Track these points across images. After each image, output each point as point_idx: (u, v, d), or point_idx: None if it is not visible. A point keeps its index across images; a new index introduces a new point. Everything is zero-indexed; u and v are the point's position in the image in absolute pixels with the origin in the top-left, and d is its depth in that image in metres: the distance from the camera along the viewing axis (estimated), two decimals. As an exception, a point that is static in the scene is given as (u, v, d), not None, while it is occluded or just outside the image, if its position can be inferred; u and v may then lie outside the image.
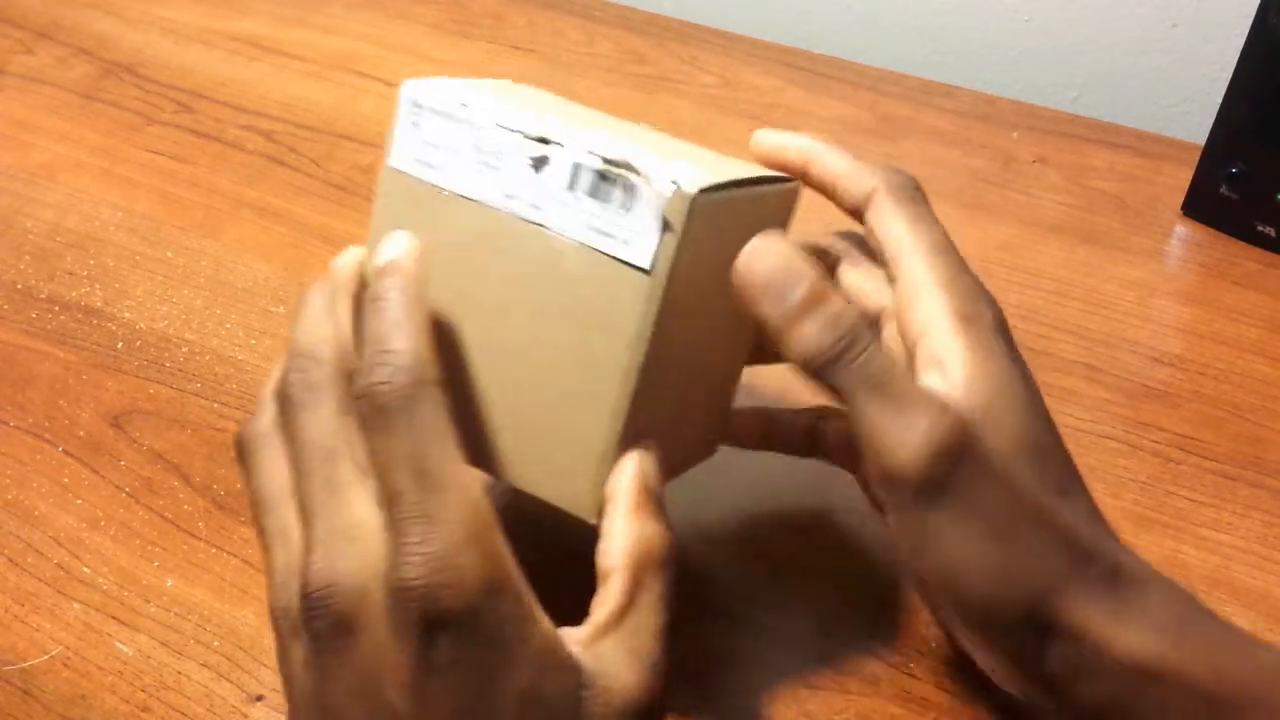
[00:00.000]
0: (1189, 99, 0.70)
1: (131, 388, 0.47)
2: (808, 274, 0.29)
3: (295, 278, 0.52)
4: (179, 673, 0.37)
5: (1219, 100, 0.52)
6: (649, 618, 0.28)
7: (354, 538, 0.26)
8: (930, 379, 0.29)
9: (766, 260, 0.29)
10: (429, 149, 0.31)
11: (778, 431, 0.39)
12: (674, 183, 0.28)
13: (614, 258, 0.29)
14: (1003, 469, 0.28)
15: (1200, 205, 0.55)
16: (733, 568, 0.39)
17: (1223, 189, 0.54)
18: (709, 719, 0.35)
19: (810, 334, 0.28)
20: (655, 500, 0.30)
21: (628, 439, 0.30)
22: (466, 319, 0.31)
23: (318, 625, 0.26)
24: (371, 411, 0.26)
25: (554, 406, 0.30)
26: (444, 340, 0.31)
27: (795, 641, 0.37)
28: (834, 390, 0.29)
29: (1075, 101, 0.73)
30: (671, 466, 0.32)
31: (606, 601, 0.28)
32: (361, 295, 0.31)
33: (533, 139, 0.30)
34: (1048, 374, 0.47)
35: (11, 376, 0.47)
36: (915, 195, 0.33)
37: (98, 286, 0.52)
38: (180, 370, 0.48)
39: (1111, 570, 0.29)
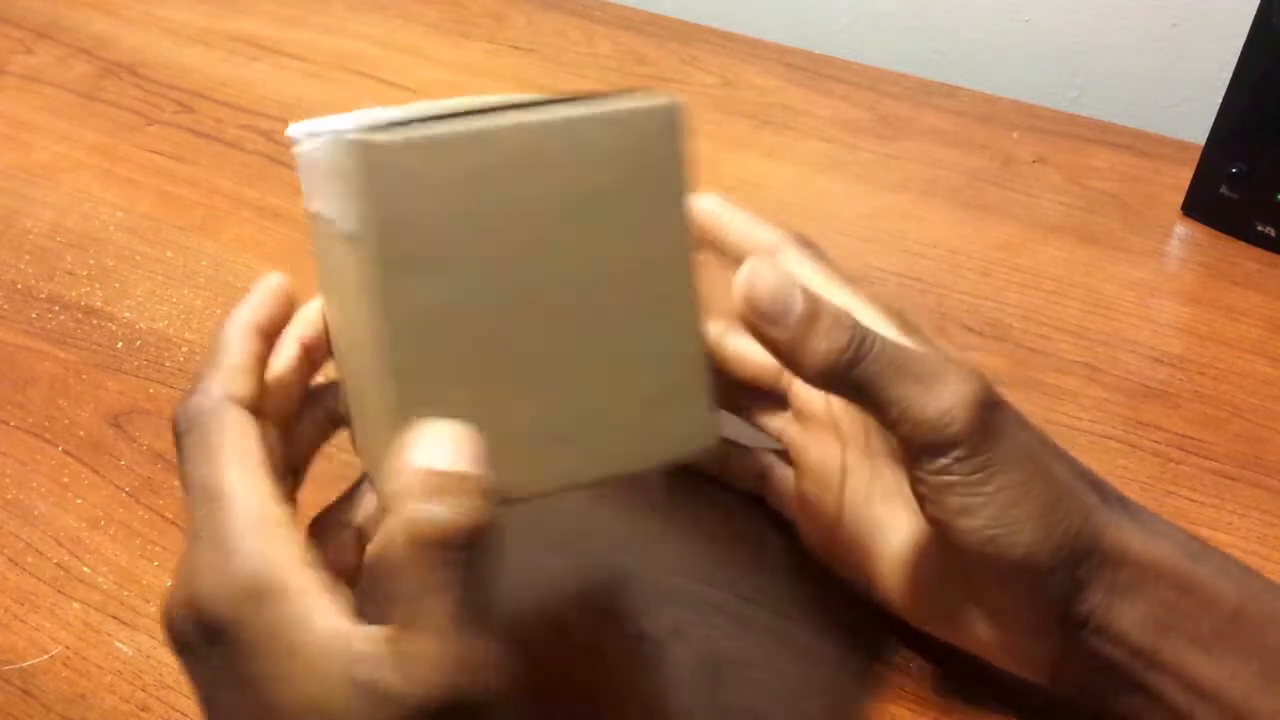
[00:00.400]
0: (1189, 99, 0.70)
1: (131, 388, 0.47)
2: (796, 288, 0.29)
3: (295, 278, 0.52)
4: (179, 672, 0.37)
5: (1219, 100, 0.52)
6: (434, 615, 0.23)
7: (191, 560, 0.26)
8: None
9: (761, 285, 0.29)
10: (308, 182, 0.31)
11: (731, 469, 0.41)
12: (345, 135, 0.25)
13: (343, 234, 0.27)
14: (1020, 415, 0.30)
15: (1200, 205, 0.55)
16: (732, 567, 0.39)
17: (1223, 189, 0.54)
18: (709, 719, 0.35)
19: (821, 347, 0.28)
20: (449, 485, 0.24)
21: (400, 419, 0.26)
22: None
23: (178, 635, 0.27)
24: (176, 438, 0.28)
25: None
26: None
27: (796, 642, 0.37)
28: (854, 394, 0.29)
29: (1075, 101, 0.73)
30: (609, 458, 0.28)
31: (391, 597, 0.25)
32: (273, 324, 0.31)
33: (324, 133, 0.28)
34: (1048, 374, 0.47)
35: (11, 376, 0.47)
36: (817, 249, 0.35)
37: (98, 286, 0.52)
38: (180, 370, 0.48)
39: (1120, 498, 0.31)
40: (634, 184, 0.28)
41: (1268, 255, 0.53)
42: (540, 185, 0.27)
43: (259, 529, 0.25)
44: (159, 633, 0.38)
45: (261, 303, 0.31)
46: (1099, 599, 0.30)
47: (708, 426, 0.29)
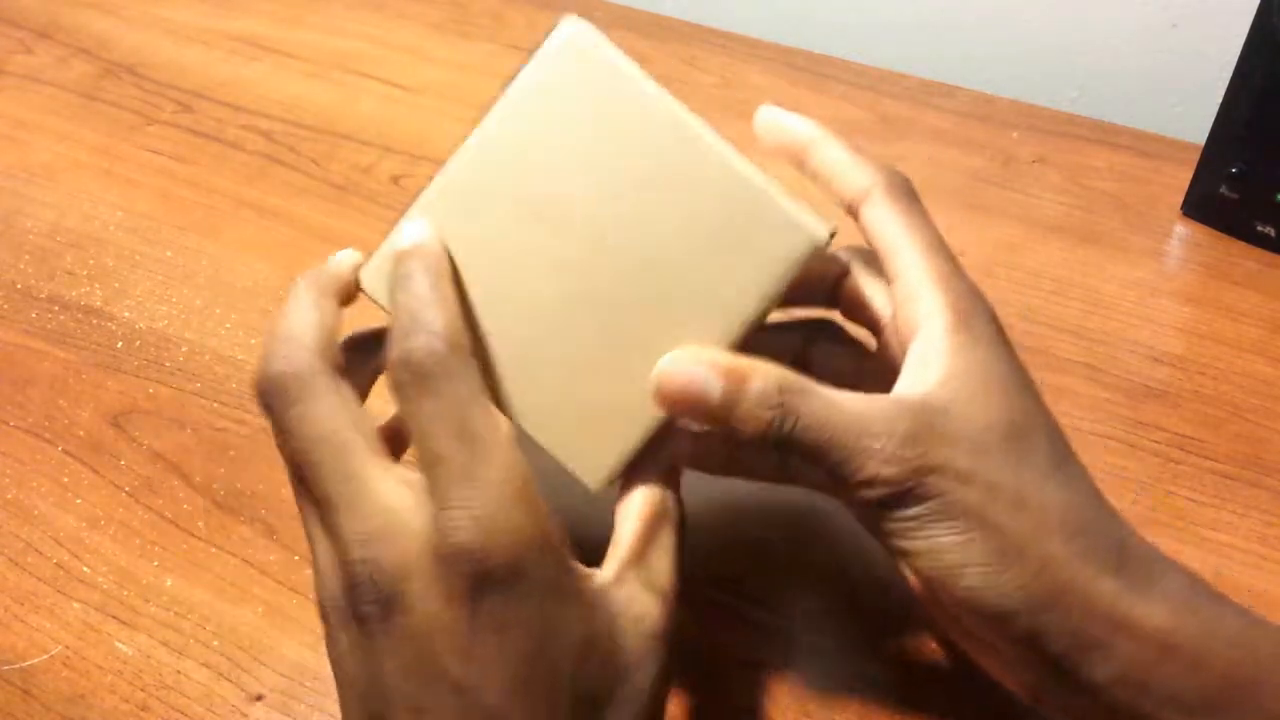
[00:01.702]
0: (1189, 99, 0.70)
1: (131, 388, 0.47)
2: (710, 373, 0.29)
3: (295, 277, 0.52)
4: (179, 672, 0.37)
5: (1219, 100, 0.52)
6: (662, 559, 0.30)
7: (387, 522, 0.26)
8: (911, 375, 0.30)
9: (670, 384, 0.30)
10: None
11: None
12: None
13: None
14: (971, 460, 0.28)
15: (1200, 205, 0.55)
16: (733, 567, 0.39)
17: (1223, 189, 0.54)
18: (709, 719, 0.35)
19: (746, 429, 0.29)
20: (673, 476, 0.32)
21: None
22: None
23: (366, 611, 0.26)
24: (411, 378, 0.27)
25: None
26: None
27: (795, 641, 0.37)
28: (790, 460, 0.29)
29: (1075, 101, 0.73)
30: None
31: (626, 543, 0.30)
32: (344, 296, 0.32)
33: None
34: (1047, 374, 0.47)
35: (11, 376, 0.47)
36: (911, 194, 0.33)
37: (98, 286, 0.52)
38: (180, 370, 0.48)
39: (1117, 545, 0.29)
40: (734, 250, 0.30)
41: (1268, 255, 0.53)
42: (674, 192, 0.30)
43: (531, 480, 0.27)
44: (159, 632, 0.38)
45: (339, 272, 0.32)
46: (1065, 649, 0.28)
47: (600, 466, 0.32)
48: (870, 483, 0.28)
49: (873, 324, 0.35)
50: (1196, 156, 0.55)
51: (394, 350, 0.28)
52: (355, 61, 0.69)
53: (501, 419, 0.28)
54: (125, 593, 0.39)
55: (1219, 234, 0.55)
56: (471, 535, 0.25)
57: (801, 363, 0.37)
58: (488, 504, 0.25)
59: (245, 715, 0.35)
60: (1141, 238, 0.54)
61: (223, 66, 0.69)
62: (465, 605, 0.25)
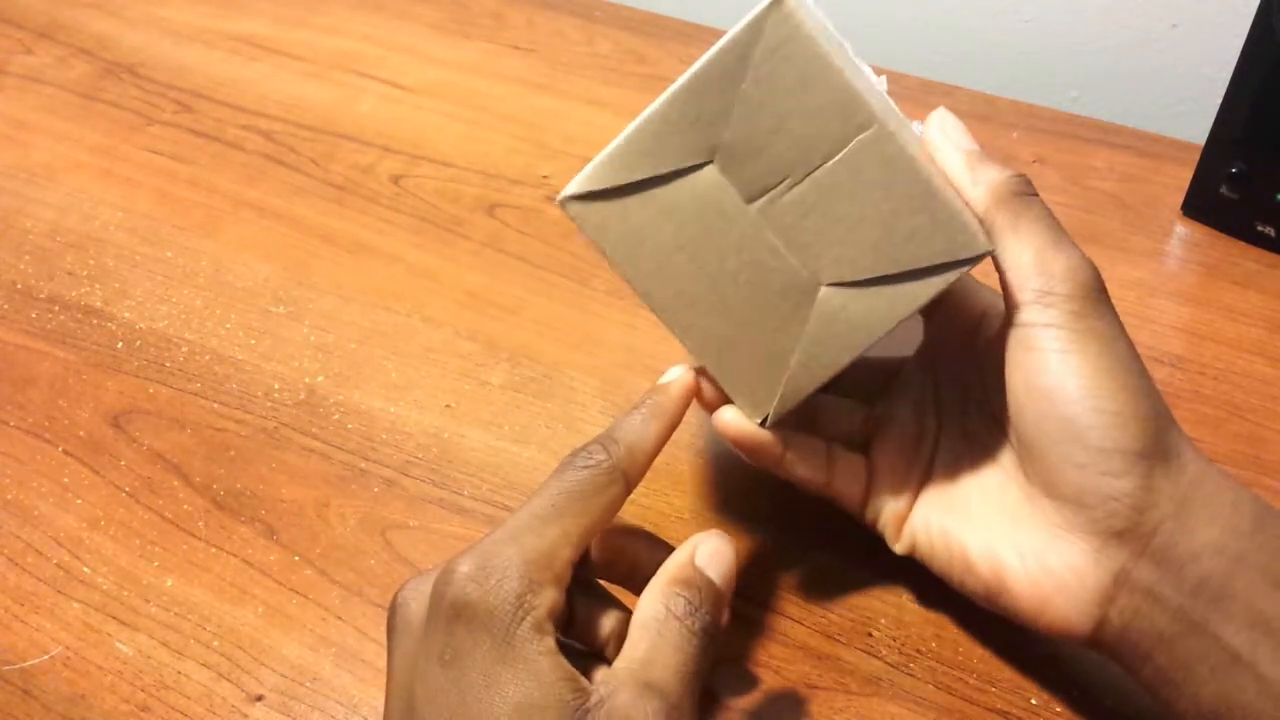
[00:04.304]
0: (1189, 99, 0.70)
1: (131, 388, 0.47)
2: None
3: (295, 278, 0.52)
4: (179, 672, 0.37)
5: (1219, 100, 0.52)
6: (670, 655, 0.28)
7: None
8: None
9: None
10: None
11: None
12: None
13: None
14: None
15: (1200, 205, 0.55)
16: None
17: (1223, 189, 0.54)
18: (709, 719, 0.35)
19: None
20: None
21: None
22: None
23: (389, 619, 0.30)
24: (564, 462, 0.31)
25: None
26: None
27: (795, 641, 0.37)
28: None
29: (1075, 101, 0.73)
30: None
31: (628, 648, 0.29)
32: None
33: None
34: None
35: (11, 376, 0.47)
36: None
37: (98, 286, 0.52)
38: (180, 370, 0.48)
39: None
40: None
41: (1268, 255, 0.53)
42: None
43: (554, 561, 0.29)
44: (159, 633, 0.38)
45: (680, 398, 0.34)
46: (1170, 512, 0.30)
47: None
48: (1084, 277, 0.31)
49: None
50: (1196, 156, 0.55)
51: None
52: (355, 61, 0.69)
53: (574, 538, 0.29)
54: (125, 593, 0.39)
55: (1219, 234, 0.55)
56: (469, 566, 0.28)
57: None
58: (498, 555, 0.28)
59: (245, 715, 0.35)
60: (1141, 238, 0.54)
61: (223, 67, 0.69)
62: (437, 626, 0.27)
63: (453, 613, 0.27)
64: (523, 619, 0.27)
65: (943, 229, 0.31)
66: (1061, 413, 0.30)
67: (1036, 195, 0.33)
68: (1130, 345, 0.31)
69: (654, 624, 0.29)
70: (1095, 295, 0.31)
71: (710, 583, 0.30)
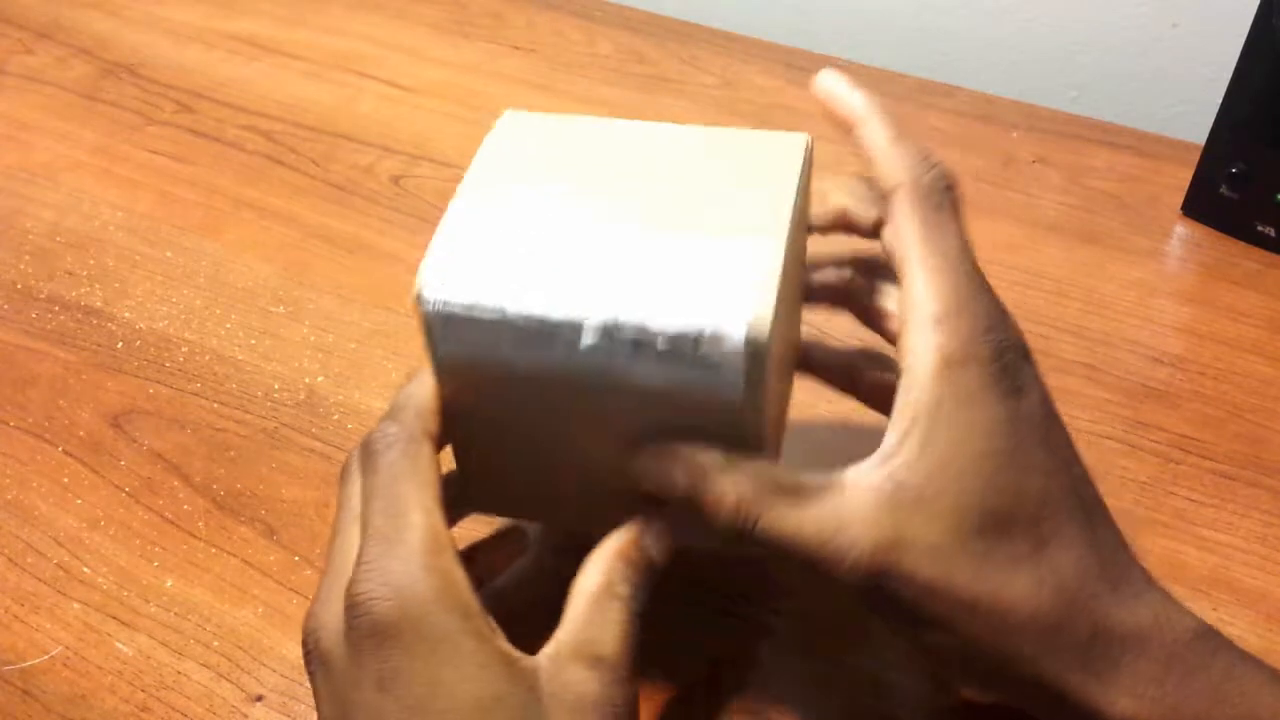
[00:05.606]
0: (1189, 99, 0.70)
1: (131, 388, 0.47)
2: (680, 460, 0.30)
3: (295, 278, 0.52)
4: (179, 673, 0.37)
5: (1219, 100, 0.52)
6: (607, 633, 0.28)
7: (343, 572, 0.28)
8: (894, 434, 0.28)
9: (650, 465, 0.30)
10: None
11: (814, 358, 0.37)
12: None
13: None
14: (933, 568, 0.27)
15: (1200, 205, 0.55)
16: (733, 567, 0.39)
17: (1223, 189, 0.54)
18: (707, 718, 0.35)
19: (715, 527, 0.29)
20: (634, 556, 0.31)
21: None
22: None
23: (308, 666, 0.29)
24: (365, 456, 0.30)
25: None
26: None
27: (795, 642, 0.37)
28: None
29: (1075, 101, 0.73)
30: None
31: (566, 621, 0.29)
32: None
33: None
34: (1048, 374, 0.47)
35: (11, 376, 0.47)
36: (939, 198, 0.31)
37: (98, 286, 0.52)
38: (180, 370, 0.48)
39: (1089, 635, 0.28)
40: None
41: (1268, 255, 0.53)
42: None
43: (447, 547, 0.28)
44: (159, 633, 0.38)
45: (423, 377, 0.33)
46: None
47: None
48: (838, 580, 0.28)
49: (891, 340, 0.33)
50: (1196, 156, 0.55)
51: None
52: (355, 61, 0.69)
53: (431, 499, 0.29)
54: (125, 593, 0.39)
55: (1219, 234, 0.55)
56: (368, 586, 0.27)
57: (853, 386, 0.37)
58: (394, 563, 0.27)
59: (245, 715, 0.35)
60: (1141, 238, 0.54)
61: (223, 66, 0.69)
62: (363, 655, 0.27)
63: (378, 637, 0.26)
64: (449, 610, 0.27)
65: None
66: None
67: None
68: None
69: (599, 595, 0.29)
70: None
71: (651, 563, 0.30)
